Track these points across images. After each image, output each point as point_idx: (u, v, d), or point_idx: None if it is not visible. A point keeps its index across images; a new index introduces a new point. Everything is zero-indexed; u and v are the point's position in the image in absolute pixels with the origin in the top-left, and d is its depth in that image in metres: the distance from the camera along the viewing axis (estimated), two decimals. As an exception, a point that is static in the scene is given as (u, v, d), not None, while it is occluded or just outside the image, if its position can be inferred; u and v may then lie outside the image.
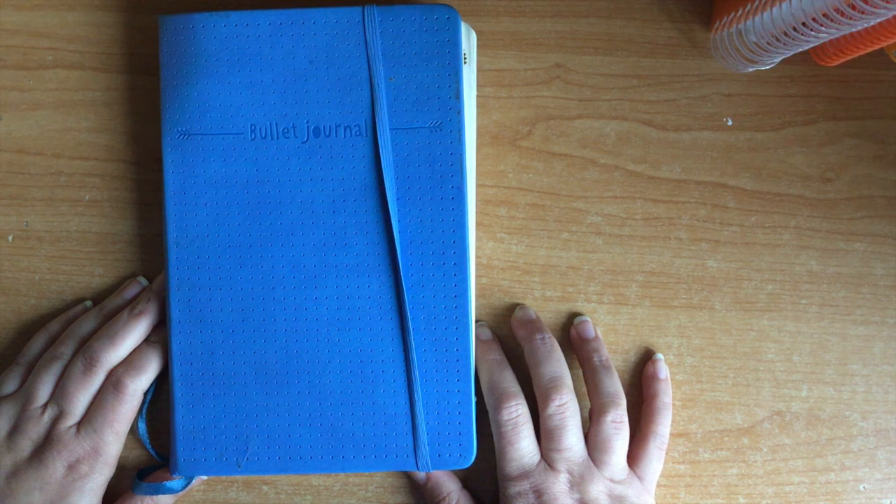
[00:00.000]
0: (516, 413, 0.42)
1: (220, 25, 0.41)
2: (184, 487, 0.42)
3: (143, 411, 0.43)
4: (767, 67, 0.44)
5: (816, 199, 0.46)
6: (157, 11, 0.46)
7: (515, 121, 0.46)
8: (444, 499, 0.43)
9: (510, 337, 0.45)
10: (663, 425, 0.44)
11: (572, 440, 0.42)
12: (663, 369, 0.45)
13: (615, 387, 0.43)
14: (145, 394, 0.43)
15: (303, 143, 0.42)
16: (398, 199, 0.41)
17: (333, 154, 0.42)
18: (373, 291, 0.42)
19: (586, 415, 0.44)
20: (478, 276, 0.45)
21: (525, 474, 0.41)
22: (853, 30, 0.37)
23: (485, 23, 0.46)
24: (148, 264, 0.45)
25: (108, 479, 0.42)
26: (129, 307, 0.43)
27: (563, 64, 0.46)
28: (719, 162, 0.46)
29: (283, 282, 0.42)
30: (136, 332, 0.42)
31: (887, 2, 0.33)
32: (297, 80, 0.41)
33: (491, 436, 0.43)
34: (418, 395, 0.41)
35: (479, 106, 0.45)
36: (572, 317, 0.45)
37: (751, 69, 0.44)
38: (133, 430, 0.44)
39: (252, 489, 0.45)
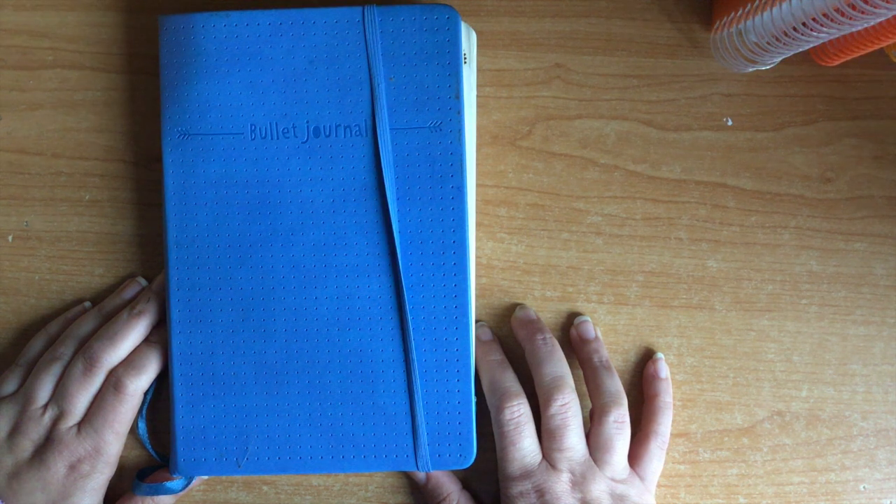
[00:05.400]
0: (518, 413, 0.42)
1: (220, 25, 0.41)
2: (184, 487, 0.42)
3: (143, 411, 0.43)
4: (767, 67, 0.44)
5: (816, 199, 0.46)
6: (157, 11, 0.46)
7: (515, 121, 0.46)
8: (444, 499, 0.43)
9: (510, 337, 0.45)
10: (664, 425, 0.44)
11: (574, 440, 0.42)
12: (664, 369, 0.45)
13: (616, 387, 0.43)
14: (145, 394, 0.43)
15: (303, 143, 0.42)
16: (398, 199, 0.41)
17: (333, 154, 0.42)
18: (373, 291, 0.42)
19: (586, 415, 0.44)
20: (478, 276, 0.45)
21: (527, 474, 0.41)
22: (853, 30, 0.37)
23: (485, 23, 0.46)
24: (148, 264, 0.45)
25: (109, 479, 0.42)
26: (129, 307, 0.43)
27: (563, 64, 0.46)
28: (719, 162, 0.46)
29: (283, 282, 0.42)
30: (135, 332, 0.42)
31: (887, 2, 0.33)
32: (297, 80, 0.41)
33: (491, 436, 0.43)
34: (418, 395, 0.41)
35: (479, 106, 0.45)
36: (572, 317, 0.45)
37: (751, 69, 0.44)
38: (133, 430, 0.44)
39: (252, 489, 0.45)
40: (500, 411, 0.42)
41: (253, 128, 0.42)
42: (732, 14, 0.42)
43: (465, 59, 0.42)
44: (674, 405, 0.45)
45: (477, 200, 0.45)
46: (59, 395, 0.41)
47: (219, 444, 0.42)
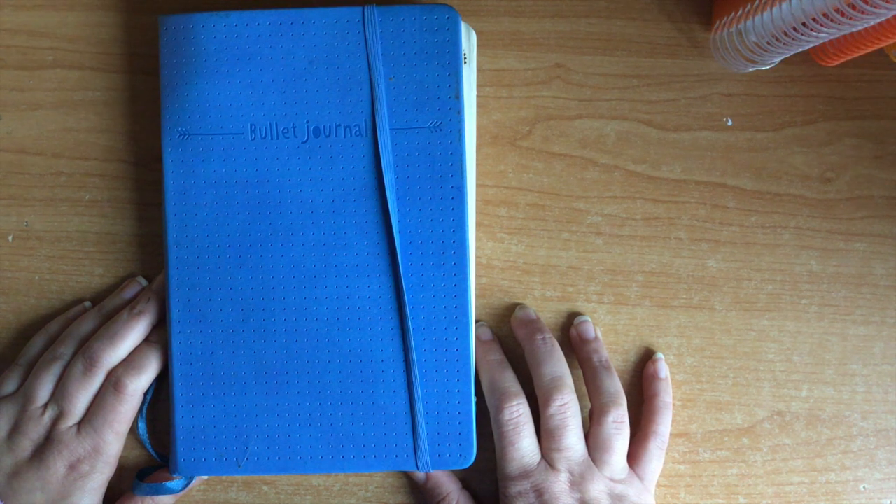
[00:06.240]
0: (517, 413, 0.42)
1: (220, 25, 0.41)
2: (184, 487, 0.43)
3: (143, 411, 0.43)
4: (767, 67, 0.44)
5: (816, 199, 0.46)
6: (157, 11, 0.46)
7: (515, 121, 0.46)
8: (443, 499, 0.43)
9: (510, 337, 0.45)
10: (663, 425, 0.44)
11: (573, 440, 0.42)
12: (663, 369, 0.45)
13: (616, 387, 0.43)
14: (145, 394, 0.43)
15: (303, 143, 0.42)
16: (398, 199, 0.41)
17: (333, 154, 0.42)
18: (373, 291, 0.42)
19: (586, 415, 0.44)
20: (478, 276, 0.45)
21: (526, 474, 0.41)
22: (853, 30, 0.37)
23: (485, 23, 0.46)
24: (148, 264, 0.45)
25: (109, 479, 0.42)
26: (129, 307, 0.43)
27: (563, 64, 0.46)
28: (719, 162, 0.46)
29: (283, 282, 0.42)
30: (135, 332, 0.42)
31: (887, 2, 0.33)
32: (297, 80, 0.41)
33: (491, 436, 0.43)
34: (418, 395, 0.41)
35: (479, 106, 0.45)
36: (572, 317, 0.45)
37: (751, 69, 0.44)
38: (133, 430, 0.44)
39: (252, 489, 0.45)
40: (499, 411, 0.42)
41: (253, 128, 0.42)
42: (732, 14, 0.42)
43: (465, 59, 0.42)
44: (674, 405, 0.45)
45: (477, 200, 0.45)
46: (59, 394, 0.41)
47: (219, 444, 0.42)
